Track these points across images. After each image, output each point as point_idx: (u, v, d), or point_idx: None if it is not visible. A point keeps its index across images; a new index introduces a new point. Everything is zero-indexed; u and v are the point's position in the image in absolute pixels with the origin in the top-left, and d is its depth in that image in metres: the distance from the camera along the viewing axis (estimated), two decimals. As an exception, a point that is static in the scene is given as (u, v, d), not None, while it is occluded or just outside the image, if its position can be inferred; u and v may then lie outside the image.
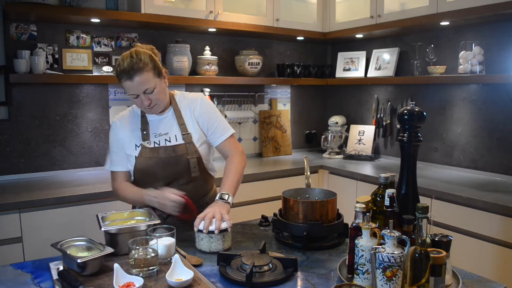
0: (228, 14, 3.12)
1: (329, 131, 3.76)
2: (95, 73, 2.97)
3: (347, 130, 3.76)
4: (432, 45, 3.06)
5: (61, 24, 2.84)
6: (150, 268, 1.35)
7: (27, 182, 2.68)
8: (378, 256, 1.18)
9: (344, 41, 3.85)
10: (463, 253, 2.32)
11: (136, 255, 1.35)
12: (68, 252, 1.37)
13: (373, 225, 1.27)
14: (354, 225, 1.34)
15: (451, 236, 1.31)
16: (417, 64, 3.16)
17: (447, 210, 2.45)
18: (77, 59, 2.91)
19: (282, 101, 3.90)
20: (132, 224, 1.56)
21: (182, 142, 1.79)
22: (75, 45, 2.91)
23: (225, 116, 3.46)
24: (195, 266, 1.43)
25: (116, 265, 1.28)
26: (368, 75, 3.59)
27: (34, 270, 1.42)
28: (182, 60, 3.11)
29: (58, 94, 2.87)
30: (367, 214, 1.34)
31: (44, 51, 2.76)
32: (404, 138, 1.41)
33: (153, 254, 1.36)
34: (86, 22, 2.85)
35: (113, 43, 3.04)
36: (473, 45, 2.78)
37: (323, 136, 3.75)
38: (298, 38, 3.66)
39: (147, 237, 1.42)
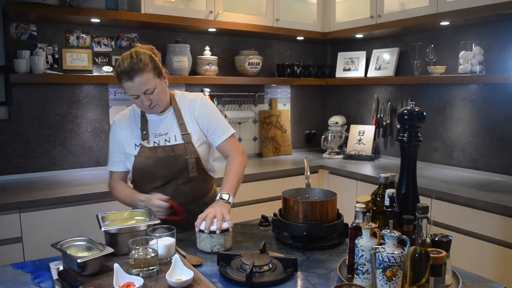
0: (228, 14, 3.12)
1: (329, 131, 3.76)
2: (95, 73, 2.97)
3: (347, 130, 3.76)
4: (432, 45, 3.06)
5: (61, 24, 2.84)
6: (150, 268, 1.35)
7: (27, 182, 2.68)
8: (378, 256, 1.18)
9: (344, 41, 3.85)
10: (463, 253, 2.32)
11: (136, 255, 1.35)
12: (68, 252, 1.37)
13: (373, 225, 1.27)
14: (354, 225, 1.34)
15: (451, 236, 1.31)
16: (417, 64, 3.16)
17: (447, 210, 2.45)
18: (77, 59, 2.91)
19: (282, 101, 3.90)
20: (132, 224, 1.56)
21: (182, 142, 1.79)
22: (75, 45, 2.91)
23: (225, 116, 3.46)
24: (195, 266, 1.43)
25: (116, 265, 1.28)
26: (368, 75, 3.59)
27: (34, 270, 1.42)
28: (182, 60, 3.11)
29: (58, 94, 2.87)
30: (367, 214, 1.34)
31: (44, 51, 2.76)
32: (404, 138, 1.41)
33: (153, 254, 1.36)
34: (86, 22, 2.85)
35: (113, 43, 3.04)
36: (473, 45, 2.78)
37: (323, 136, 3.75)
38: (298, 38, 3.66)
39: (147, 237, 1.42)
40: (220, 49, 3.50)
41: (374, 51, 3.58)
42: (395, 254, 1.17)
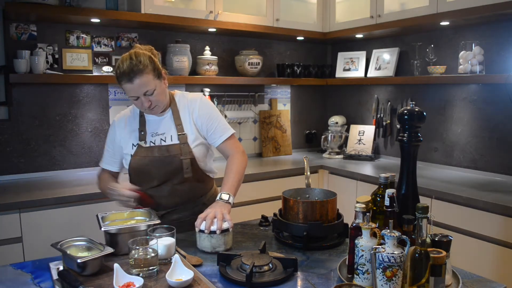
0: (228, 14, 3.12)
1: (329, 131, 3.76)
2: (95, 73, 2.97)
3: (347, 130, 3.76)
4: (432, 45, 3.06)
5: (61, 24, 2.84)
6: (150, 268, 1.35)
7: (27, 182, 2.68)
8: (378, 256, 1.18)
9: (344, 41, 3.85)
10: (463, 253, 2.32)
11: (136, 255, 1.35)
12: (68, 252, 1.37)
13: (373, 225, 1.27)
14: (354, 225, 1.34)
15: (451, 236, 1.31)
16: (417, 64, 3.16)
17: (447, 210, 2.45)
18: (77, 59, 2.91)
19: (282, 101, 3.90)
20: (132, 224, 1.56)
21: (177, 142, 1.79)
22: (75, 45, 2.91)
23: (225, 116, 3.46)
24: (195, 266, 1.43)
25: (116, 265, 1.28)
26: (368, 75, 3.59)
27: (34, 270, 1.42)
28: (182, 60, 3.11)
29: (58, 94, 2.87)
30: (367, 214, 1.34)
31: (44, 51, 2.76)
32: (404, 138, 1.41)
33: (153, 254, 1.36)
34: (86, 22, 2.85)
35: (113, 43, 3.04)
36: (473, 45, 2.78)
37: (323, 136, 3.75)
38: (298, 38, 3.66)
39: (147, 237, 1.42)
40: (220, 49, 3.50)
41: (374, 51, 3.58)
42: (395, 254, 1.17)
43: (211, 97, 3.40)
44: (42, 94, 2.82)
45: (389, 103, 3.51)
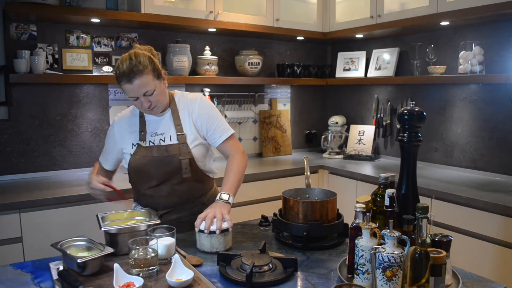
0: (228, 14, 3.12)
1: (329, 131, 3.76)
2: (95, 73, 2.97)
3: (347, 130, 3.76)
4: (432, 45, 3.06)
5: (61, 24, 2.85)
6: (150, 268, 1.35)
7: (27, 182, 2.68)
8: (378, 256, 1.18)
9: (344, 41, 3.85)
10: (463, 253, 2.32)
11: (136, 255, 1.35)
12: (68, 252, 1.37)
13: (373, 225, 1.27)
14: (354, 225, 1.34)
15: (451, 236, 1.31)
16: (417, 64, 3.16)
17: (447, 210, 2.45)
18: (77, 59, 2.91)
19: (282, 101, 3.90)
20: (132, 224, 1.56)
21: (176, 142, 1.79)
22: (75, 45, 2.91)
23: (225, 116, 3.46)
24: (195, 266, 1.43)
25: (116, 265, 1.28)
26: (368, 75, 3.59)
27: (34, 270, 1.42)
28: (182, 60, 3.11)
29: (58, 94, 2.87)
30: (367, 214, 1.34)
31: (44, 51, 2.76)
32: (404, 138, 1.41)
33: (153, 254, 1.36)
34: (86, 22, 2.85)
35: (113, 43, 3.04)
36: (473, 45, 2.78)
37: (323, 136, 3.75)
38: (298, 38, 3.66)
39: (147, 237, 1.42)
40: (220, 49, 3.50)
41: (374, 51, 3.58)
42: (395, 254, 1.17)
43: (211, 97, 3.40)
44: (42, 94, 2.82)
45: (389, 103, 3.51)
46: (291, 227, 1.64)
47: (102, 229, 1.50)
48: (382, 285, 1.19)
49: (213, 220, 1.56)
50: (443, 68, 2.96)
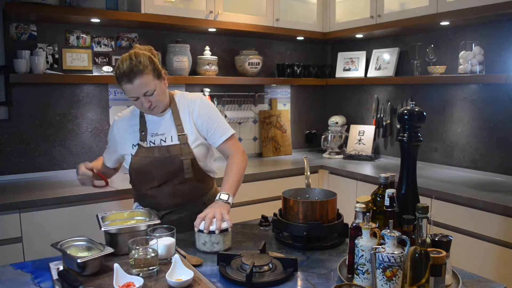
0: (228, 14, 3.12)
1: (329, 131, 3.76)
2: (95, 73, 2.97)
3: (347, 130, 3.76)
4: (432, 45, 3.06)
5: (61, 24, 2.84)
6: (150, 268, 1.35)
7: (27, 182, 2.68)
8: (378, 256, 1.18)
9: (344, 41, 3.85)
10: (463, 253, 2.32)
11: (136, 255, 1.35)
12: (68, 252, 1.37)
13: (373, 225, 1.27)
14: (354, 225, 1.34)
15: (451, 236, 1.31)
16: (417, 64, 3.16)
17: (447, 210, 2.45)
18: (77, 59, 2.91)
19: (282, 101, 3.90)
20: (132, 224, 1.56)
21: (177, 142, 1.79)
22: (75, 45, 2.91)
23: (225, 116, 3.46)
24: (195, 266, 1.43)
25: (116, 265, 1.28)
26: (368, 75, 3.59)
27: (34, 270, 1.42)
28: (182, 60, 3.11)
29: (58, 94, 2.87)
30: (367, 214, 1.34)
31: (44, 51, 2.76)
32: (404, 138, 1.41)
33: (153, 254, 1.36)
34: (86, 22, 2.85)
35: (113, 43, 3.04)
36: (473, 45, 2.78)
37: (323, 136, 3.75)
38: (298, 38, 3.66)
39: (147, 237, 1.42)
40: (220, 49, 3.50)
41: (374, 51, 3.58)
42: (395, 254, 1.17)
43: (211, 97, 3.40)
44: (42, 94, 2.82)
45: (389, 103, 3.51)
46: (291, 227, 1.64)
47: (102, 229, 1.50)
48: (382, 285, 1.19)
49: (212, 220, 1.56)
50: (443, 68, 2.96)
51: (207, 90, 3.35)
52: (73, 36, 2.90)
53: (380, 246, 1.20)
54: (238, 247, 1.62)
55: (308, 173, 1.84)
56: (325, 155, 3.72)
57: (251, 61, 3.44)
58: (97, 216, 1.60)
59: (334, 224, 1.64)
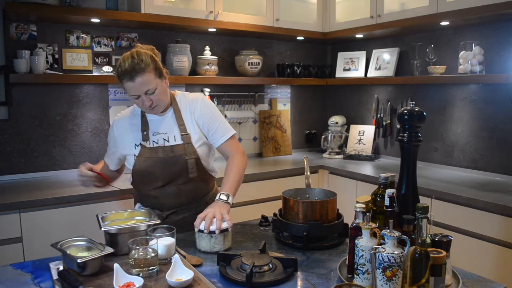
0: (228, 14, 3.12)
1: (329, 131, 3.76)
2: (95, 73, 2.97)
3: (347, 130, 3.76)
4: (432, 45, 3.06)
5: (61, 24, 2.84)
6: (150, 268, 1.35)
7: (27, 182, 2.68)
8: (378, 256, 1.18)
9: (344, 41, 3.85)
10: (463, 253, 2.32)
11: (136, 255, 1.35)
12: (68, 252, 1.37)
13: (373, 225, 1.27)
14: (354, 225, 1.34)
15: (451, 236, 1.31)
16: (417, 64, 3.16)
17: (447, 210, 2.45)
18: (77, 59, 2.91)
19: (282, 101, 3.90)
20: (132, 224, 1.56)
21: (181, 142, 1.79)
22: (75, 45, 2.91)
23: (225, 116, 3.46)
24: (195, 266, 1.43)
25: (116, 265, 1.28)
26: (368, 75, 3.59)
27: (34, 270, 1.42)
28: (182, 60, 3.11)
29: (58, 94, 2.87)
30: (367, 214, 1.34)
31: (44, 51, 2.76)
32: (404, 138, 1.41)
33: (153, 254, 1.36)
34: (86, 22, 2.85)
35: (113, 43, 3.04)
36: (473, 45, 2.78)
37: (323, 136, 3.75)
38: (298, 38, 3.66)
39: (147, 237, 1.42)
40: (220, 49, 3.50)
41: (374, 51, 3.58)
42: (395, 254, 1.17)
43: (211, 97, 3.40)
44: (42, 94, 2.82)
45: (389, 103, 3.51)
46: (291, 227, 1.64)
47: (102, 229, 1.50)
48: (382, 285, 1.19)
49: (212, 220, 1.56)
50: (443, 68, 2.96)
51: (207, 90, 3.35)
52: (73, 36, 2.90)
53: (380, 246, 1.20)
54: (238, 247, 1.62)
55: (308, 173, 1.84)
56: (325, 155, 3.72)
57: (251, 61, 3.44)
58: (97, 216, 1.60)
59: (334, 224, 1.64)
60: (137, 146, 1.80)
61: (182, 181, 1.82)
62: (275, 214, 1.75)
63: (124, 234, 1.50)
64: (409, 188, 1.42)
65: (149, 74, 1.66)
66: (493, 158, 2.86)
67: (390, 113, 3.51)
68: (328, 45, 4.12)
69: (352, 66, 3.74)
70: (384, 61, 3.49)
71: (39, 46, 2.76)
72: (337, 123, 3.74)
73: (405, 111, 1.41)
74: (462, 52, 2.84)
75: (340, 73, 3.81)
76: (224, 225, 1.57)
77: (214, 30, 3.20)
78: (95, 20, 2.77)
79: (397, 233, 1.19)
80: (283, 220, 1.67)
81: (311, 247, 1.59)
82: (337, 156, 3.66)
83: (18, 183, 2.65)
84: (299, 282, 1.34)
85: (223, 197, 1.70)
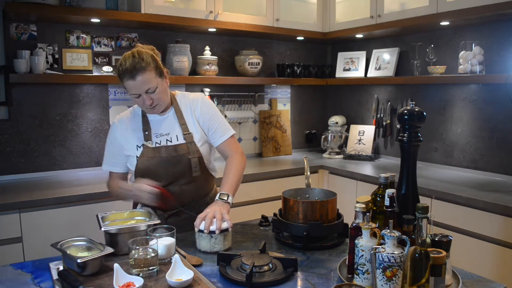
0: (228, 14, 3.12)
1: (329, 131, 3.76)
2: (95, 73, 2.97)
3: (347, 130, 3.76)
4: (432, 45, 3.06)
5: (61, 24, 2.84)
6: (150, 268, 1.35)
7: (27, 182, 2.68)
8: (378, 256, 1.18)
9: (344, 41, 3.85)
10: (463, 253, 2.32)
11: (136, 255, 1.35)
12: (68, 252, 1.37)
13: (373, 225, 1.27)
14: (354, 225, 1.34)
15: (451, 236, 1.31)
16: (417, 64, 3.16)
17: (447, 210, 2.45)
18: (77, 59, 2.91)
19: (282, 101, 3.90)
20: (132, 224, 1.56)
21: (184, 141, 1.79)
22: (75, 45, 2.91)
23: (225, 116, 3.46)
24: (195, 266, 1.43)
25: (116, 265, 1.28)
26: (368, 75, 3.59)
27: (34, 270, 1.42)
28: (182, 60, 3.11)
29: (58, 94, 2.87)
30: (367, 214, 1.34)
31: (44, 51, 2.76)
32: (404, 138, 1.41)
33: (153, 254, 1.36)
34: (86, 22, 2.85)
35: (113, 43, 3.04)
36: (473, 45, 2.78)
37: (323, 136, 3.75)
38: (298, 38, 3.66)
39: (147, 237, 1.42)
40: (220, 49, 3.50)
41: (374, 51, 3.58)
42: (395, 254, 1.17)
43: (211, 97, 3.40)
44: (42, 94, 2.82)
45: (389, 103, 3.51)
46: (291, 227, 1.64)
47: (102, 229, 1.50)
48: (382, 285, 1.19)
49: (212, 220, 1.56)
50: (443, 68, 2.96)
51: (207, 90, 3.35)
52: (73, 36, 2.90)
53: (380, 246, 1.20)
54: (238, 247, 1.62)
55: (308, 173, 1.84)
56: (325, 155, 3.72)
57: (251, 61, 3.44)
58: (97, 216, 1.60)
59: (334, 224, 1.64)
60: (139, 147, 1.79)
61: (185, 181, 1.82)
62: (275, 214, 1.75)
63: (124, 234, 1.50)
64: (409, 188, 1.42)
65: (150, 73, 1.66)
66: (493, 158, 2.86)
67: (390, 113, 3.51)
68: (328, 45, 4.12)
69: (352, 66, 3.74)
70: (384, 61, 3.49)
71: (39, 46, 2.76)
72: (337, 123, 3.74)
73: (405, 111, 1.41)
74: (462, 52, 2.84)
75: (340, 73, 3.81)
76: (224, 225, 1.57)
77: (214, 30, 3.20)
78: (95, 20, 2.77)
79: (397, 233, 1.19)
80: (283, 220, 1.67)
81: (311, 247, 1.59)
82: (337, 156, 3.66)
83: (18, 183, 2.65)
84: (299, 282, 1.34)
85: (223, 197, 1.70)
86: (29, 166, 2.81)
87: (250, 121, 3.70)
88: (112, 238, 1.51)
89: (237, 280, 1.32)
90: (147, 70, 1.65)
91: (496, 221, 2.23)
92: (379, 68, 3.51)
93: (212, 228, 1.54)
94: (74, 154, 2.95)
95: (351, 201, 1.78)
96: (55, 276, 1.35)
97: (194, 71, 3.29)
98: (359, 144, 3.62)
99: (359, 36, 3.49)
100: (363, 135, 3.63)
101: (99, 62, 3.00)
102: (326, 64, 4.04)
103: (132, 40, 3.10)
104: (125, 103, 3.08)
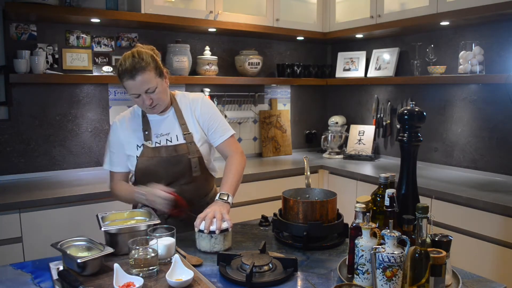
0: (228, 14, 3.12)
1: (329, 131, 3.76)
2: (95, 73, 2.97)
3: (347, 130, 3.76)
4: (432, 45, 3.06)
5: (61, 24, 2.85)
6: (150, 268, 1.35)
7: (27, 182, 2.68)
8: (378, 256, 1.18)
9: (344, 41, 3.85)
10: (463, 253, 2.32)
11: (136, 255, 1.35)
12: (68, 252, 1.37)
13: (373, 225, 1.27)
14: (354, 225, 1.34)
15: (451, 236, 1.31)
16: (417, 64, 3.16)
17: (447, 210, 2.45)
18: (77, 59, 2.91)
19: (282, 101, 3.90)
20: (132, 224, 1.56)
21: (184, 141, 1.79)
22: (75, 45, 2.91)
23: (225, 116, 3.46)
24: (195, 266, 1.43)
25: (116, 265, 1.28)
26: (368, 75, 3.59)
27: (34, 270, 1.42)
28: (182, 60, 3.11)
29: (58, 94, 2.87)
30: (367, 214, 1.34)
31: (44, 51, 2.76)
32: (404, 138, 1.41)
33: (153, 254, 1.36)
34: (86, 22, 2.85)
35: (113, 43, 3.04)
36: (473, 45, 2.78)
37: (323, 136, 3.75)
38: (298, 38, 3.66)
39: (147, 237, 1.42)
40: (220, 49, 3.50)
41: (374, 51, 3.58)
42: (395, 254, 1.17)
43: (211, 97, 3.40)
44: (42, 94, 2.82)
45: (389, 103, 3.51)
46: (291, 227, 1.64)
47: (102, 229, 1.50)
48: (382, 285, 1.19)
49: (212, 220, 1.56)
50: (443, 68, 2.96)
51: (207, 90, 3.35)
52: (73, 36, 2.90)
53: (380, 246, 1.20)
54: (238, 247, 1.62)
55: (308, 173, 1.84)
56: (325, 155, 3.72)
57: (251, 61, 3.44)
58: (97, 216, 1.60)
59: (334, 224, 1.64)
60: (139, 147, 1.79)
61: (185, 181, 1.82)
62: (275, 214, 1.75)
63: (124, 234, 1.50)
64: (409, 188, 1.42)
65: (149, 73, 1.66)
66: (493, 158, 2.86)
67: (390, 113, 3.51)
68: (328, 45, 4.12)
69: (352, 66, 3.74)
70: (384, 61, 3.49)
71: (39, 46, 2.76)
72: (337, 123, 3.74)
73: (405, 111, 1.41)
74: (462, 52, 2.84)
75: (340, 73, 3.81)
76: (224, 225, 1.57)
77: (214, 30, 3.20)
78: (95, 20, 2.77)
79: (397, 233, 1.19)
80: (283, 220, 1.67)
81: (311, 247, 1.59)
82: (337, 156, 3.66)
83: (18, 183, 2.65)
84: (299, 282, 1.34)
85: (223, 196, 1.70)
86: (29, 166, 2.81)
87: (250, 121, 3.70)
88: (112, 238, 1.51)
89: (237, 280, 1.32)
90: (147, 70, 1.65)
91: (496, 221, 2.23)
92: (379, 68, 3.51)
93: (212, 228, 1.55)
94: (74, 154, 2.95)
95: (351, 201, 1.78)
96: (55, 276, 1.36)
97: (194, 71, 3.29)
98: (359, 144, 3.62)
99: (359, 36, 3.49)
100: (363, 135, 3.63)
101: (99, 62, 3.00)
102: (326, 64, 4.04)
103: (132, 40, 3.10)
104: (125, 103, 3.08)
